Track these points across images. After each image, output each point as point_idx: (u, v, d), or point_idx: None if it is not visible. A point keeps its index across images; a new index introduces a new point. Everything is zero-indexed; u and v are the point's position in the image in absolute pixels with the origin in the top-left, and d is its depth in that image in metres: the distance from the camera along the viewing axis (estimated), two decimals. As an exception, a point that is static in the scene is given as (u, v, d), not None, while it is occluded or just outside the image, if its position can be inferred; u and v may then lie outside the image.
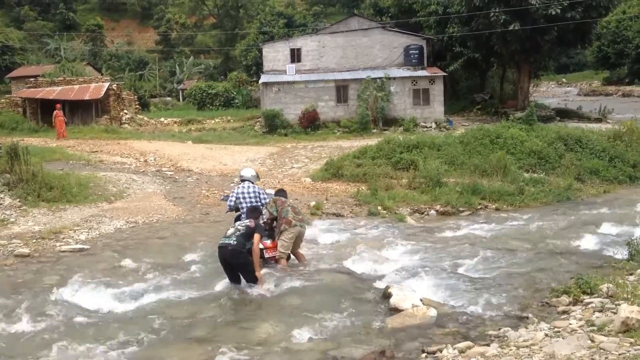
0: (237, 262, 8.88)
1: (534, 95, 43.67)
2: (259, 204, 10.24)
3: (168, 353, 6.65)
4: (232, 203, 10.46)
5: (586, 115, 36.38)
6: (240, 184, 10.76)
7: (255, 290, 8.77)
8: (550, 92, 61.82)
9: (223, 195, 12.20)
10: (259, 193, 10.52)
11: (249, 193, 10.40)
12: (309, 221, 10.71)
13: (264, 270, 9.23)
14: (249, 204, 10.14)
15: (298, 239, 10.15)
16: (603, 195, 17.92)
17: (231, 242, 8.83)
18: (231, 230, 9.07)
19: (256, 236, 8.99)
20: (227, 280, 9.13)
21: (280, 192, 10.62)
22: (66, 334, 7.11)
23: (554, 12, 31.46)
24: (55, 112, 30.20)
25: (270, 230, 10.17)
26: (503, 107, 38.11)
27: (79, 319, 7.75)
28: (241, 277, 9.01)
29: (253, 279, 8.89)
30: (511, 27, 32.22)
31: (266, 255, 9.78)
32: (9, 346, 6.89)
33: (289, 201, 10.30)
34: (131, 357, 6.56)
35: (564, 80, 71.82)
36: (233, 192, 10.66)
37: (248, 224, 9.09)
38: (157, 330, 7.27)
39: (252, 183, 10.66)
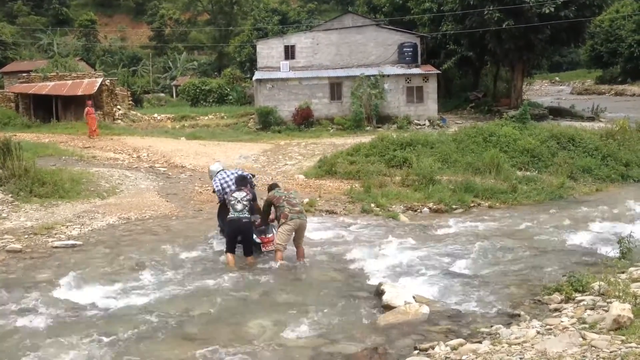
0: (248, 234, 9.98)
1: (527, 94, 43.79)
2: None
3: (160, 349, 6.63)
4: (220, 188, 10.66)
5: (579, 114, 36.54)
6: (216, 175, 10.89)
7: (273, 264, 9.81)
8: (543, 91, 62.02)
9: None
10: (238, 172, 10.94)
11: (230, 177, 10.71)
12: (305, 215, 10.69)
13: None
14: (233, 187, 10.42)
15: (299, 231, 10.12)
16: (595, 193, 17.98)
17: (245, 215, 9.84)
18: (240, 206, 9.83)
19: (255, 204, 10.17)
20: (218, 276, 9.24)
21: (274, 186, 10.65)
22: (57, 330, 7.09)
23: (547, 11, 31.59)
24: (87, 109, 28.83)
25: (267, 225, 10.38)
26: (496, 105, 38.24)
27: (71, 314, 7.72)
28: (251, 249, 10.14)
29: (250, 252, 10.02)
30: (505, 25, 32.30)
31: (263, 249, 10.24)
32: (0, 341, 6.86)
33: (284, 194, 10.22)
34: (123, 354, 6.54)
35: (557, 79, 72.11)
36: (215, 181, 10.84)
37: (248, 197, 9.92)
38: (149, 326, 7.25)
39: (246, 178, 10.74)
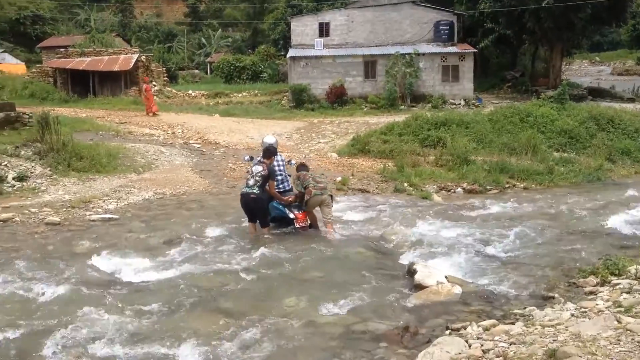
0: (257, 208, 10.29)
1: (566, 74, 42.94)
2: (285, 170, 11.18)
3: (192, 322, 6.72)
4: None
5: (619, 94, 35.76)
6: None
7: (328, 234, 10.39)
8: (582, 71, 60.69)
9: (246, 156, 12.38)
10: (286, 161, 11.48)
11: (277, 163, 10.96)
12: (330, 191, 10.88)
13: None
14: (278, 176, 10.86)
15: (324, 207, 10.47)
16: (634, 176, 17.68)
17: (254, 190, 10.12)
18: (252, 182, 10.18)
19: (270, 183, 10.26)
20: (251, 252, 9.35)
21: (302, 167, 10.98)
22: (92, 301, 7.22)
23: (589, -11, 30.82)
24: (145, 86, 29.14)
25: (301, 202, 10.59)
26: (534, 85, 37.62)
27: (105, 287, 7.86)
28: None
29: (265, 223, 10.47)
30: (544, 4, 31.63)
31: (297, 225, 10.58)
32: (36, 310, 7.03)
33: (310, 173, 10.74)
34: (155, 325, 6.65)
35: (597, 59, 70.38)
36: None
37: (263, 173, 10.15)
38: (182, 300, 7.35)
39: (276, 149, 11.03)
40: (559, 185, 16.12)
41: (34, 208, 11.82)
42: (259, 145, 11.56)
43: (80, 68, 35.32)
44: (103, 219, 11.41)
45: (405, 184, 15.33)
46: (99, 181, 14.57)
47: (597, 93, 36.13)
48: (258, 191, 10.14)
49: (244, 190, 10.36)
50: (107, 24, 67.73)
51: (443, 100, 32.95)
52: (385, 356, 5.89)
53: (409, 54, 33.77)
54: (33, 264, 8.67)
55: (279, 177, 10.90)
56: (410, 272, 8.16)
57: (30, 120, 17.11)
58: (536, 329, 5.74)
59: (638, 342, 4.95)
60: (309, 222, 10.73)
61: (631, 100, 33.91)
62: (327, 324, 6.72)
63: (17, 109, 17.85)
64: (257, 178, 10.16)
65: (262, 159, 10.48)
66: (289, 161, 11.67)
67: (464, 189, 15.52)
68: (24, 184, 13.55)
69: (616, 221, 11.70)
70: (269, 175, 10.23)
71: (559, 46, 36.54)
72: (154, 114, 27.37)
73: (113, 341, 6.23)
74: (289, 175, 11.11)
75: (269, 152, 10.53)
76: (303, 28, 37.08)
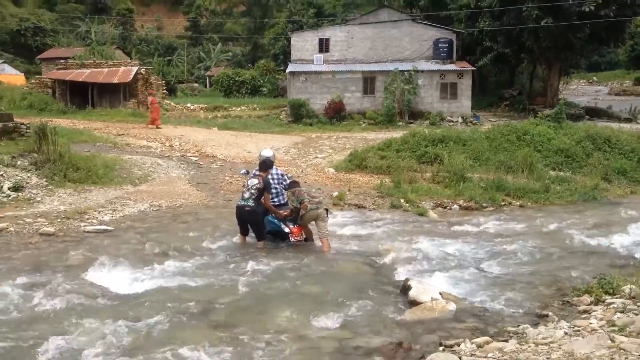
0: (252, 220, 10.42)
1: (563, 93, 43.15)
2: (283, 184, 11.08)
3: (185, 336, 6.69)
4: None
5: (616, 114, 35.91)
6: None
7: (323, 249, 10.35)
8: (580, 91, 60.89)
9: (242, 170, 12.42)
10: (282, 175, 11.30)
11: (272, 177, 10.95)
12: (326, 205, 10.90)
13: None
14: (273, 190, 10.87)
15: (319, 222, 10.45)
16: (630, 196, 17.70)
17: (249, 203, 10.25)
18: (247, 194, 10.32)
19: (265, 195, 10.38)
20: (246, 266, 9.31)
21: (294, 184, 10.99)
22: (85, 313, 7.19)
23: (587, 9, 31.04)
24: (150, 99, 29.21)
25: (296, 217, 10.63)
26: (531, 104, 37.79)
27: (99, 298, 7.83)
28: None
29: (261, 236, 10.50)
30: (543, 23, 31.83)
31: (292, 239, 10.64)
32: (29, 321, 6.99)
33: (304, 189, 10.93)
34: (149, 338, 6.61)
35: (594, 78, 70.68)
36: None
37: (258, 186, 10.28)
38: (175, 313, 7.32)
39: (273, 162, 11.22)
40: (554, 204, 16.13)
41: (29, 218, 11.79)
42: (256, 159, 11.63)
43: (80, 80, 35.38)
44: (98, 231, 11.37)
45: (402, 200, 15.33)
46: (94, 192, 14.54)
47: (594, 113, 36.27)
48: (253, 204, 10.25)
49: (239, 202, 10.48)
50: (107, 37, 68.03)
51: (441, 117, 33.08)
52: (377, 372, 5.87)
53: (407, 70, 33.94)
54: (26, 275, 8.63)
55: (274, 191, 10.91)
56: (405, 288, 8.14)
57: (27, 130, 17.10)
58: (530, 346, 5.72)
59: (631, 361, 4.94)
60: (304, 236, 10.74)
61: (628, 120, 34.05)
62: (321, 338, 6.70)
63: (15, 119, 17.83)
64: (253, 191, 10.28)
65: (258, 172, 10.55)
66: (283, 175, 11.53)
67: (460, 206, 15.53)
68: (20, 194, 13.52)
69: (611, 240, 11.72)
70: (264, 188, 10.33)
71: (557, 65, 36.75)
72: (157, 127, 27.39)
73: (106, 353, 6.19)
74: (285, 190, 11.07)
75: (265, 165, 10.65)
76: (303, 43, 37.27)
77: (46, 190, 14.12)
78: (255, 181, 10.35)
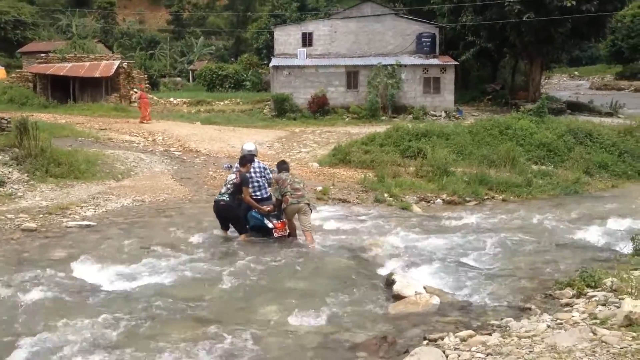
0: (228, 216, 10.54)
1: (545, 88, 43.45)
2: (266, 178, 10.95)
3: (168, 331, 6.66)
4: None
5: (597, 109, 36.22)
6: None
7: (307, 244, 10.30)
8: (561, 85, 61.44)
9: (226, 164, 12.39)
10: (264, 169, 11.09)
11: (254, 170, 10.86)
12: (308, 200, 10.71)
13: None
14: (255, 183, 10.81)
15: (302, 215, 10.37)
16: (611, 189, 17.89)
17: (224, 198, 10.37)
18: (224, 189, 10.49)
19: (244, 190, 10.31)
20: (230, 260, 9.29)
21: (282, 164, 10.85)
22: (68, 309, 7.14)
23: (569, 4, 31.21)
24: (139, 93, 29.06)
25: (279, 211, 10.54)
26: (514, 98, 37.99)
27: (82, 294, 7.77)
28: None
29: (241, 230, 10.55)
30: (525, 18, 31.99)
31: (275, 234, 10.54)
32: (11, 317, 6.93)
33: (289, 178, 10.51)
34: (132, 334, 6.58)
35: (576, 73, 71.34)
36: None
37: (235, 180, 10.34)
38: (159, 308, 7.28)
39: (255, 156, 11.14)
40: (537, 198, 16.26)
41: (10, 214, 11.67)
42: (240, 154, 11.50)
43: (61, 74, 35.05)
44: (80, 226, 11.29)
45: (386, 195, 15.37)
46: (77, 187, 14.43)
47: (575, 107, 36.55)
48: (228, 198, 10.35)
49: (216, 197, 10.67)
50: (89, 30, 67.20)
51: (424, 112, 33.14)
52: (362, 366, 5.89)
53: (391, 65, 33.94)
54: (7, 270, 8.55)
55: (256, 184, 10.82)
56: (389, 282, 8.17)
57: (8, 125, 16.89)
58: (513, 340, 5.77)
59: (613, 354, 5.00)
60: (288, 231, 10.70)
61: (609, 114, 34.33)
62: (305, 333, 6.70)
63: (-5, 113, 17.64)
64: (229, 186, 10.41)
65: (238, 167, 10.58)
66: (266, 168, 11.21)
67: (443, 200, 15.61)
68: (1, 189, 13.37)
69: (593, 233, 11.84)
70: (241, 183, 10.33)
71: (539, 60, 36.95)
72: (147, 122, 27.22)
73: (87, 349, 6.15)
74: (268, 183, 10.93)
75: (245, 159, 10.67)
76: (286, 37, 37.14)
77: (28, 185, 13.99)
78: (233, 176, 10.45)
